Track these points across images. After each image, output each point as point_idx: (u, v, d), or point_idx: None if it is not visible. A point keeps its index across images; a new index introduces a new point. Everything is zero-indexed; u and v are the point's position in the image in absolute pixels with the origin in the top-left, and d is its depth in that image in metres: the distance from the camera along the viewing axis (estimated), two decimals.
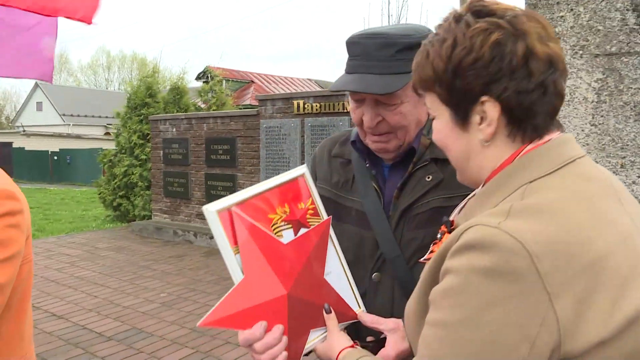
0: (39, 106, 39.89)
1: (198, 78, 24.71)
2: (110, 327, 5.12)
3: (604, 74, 3.11)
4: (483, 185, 0.99)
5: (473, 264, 0.82)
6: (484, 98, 0.92)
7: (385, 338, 1.28)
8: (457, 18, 0.96)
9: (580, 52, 3.15)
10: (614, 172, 3.05)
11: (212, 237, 8.61)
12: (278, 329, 1.19)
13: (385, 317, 1.33)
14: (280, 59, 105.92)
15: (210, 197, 9.39)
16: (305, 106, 7.86)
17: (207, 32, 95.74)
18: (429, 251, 1.08)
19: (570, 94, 3.20)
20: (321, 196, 1.40)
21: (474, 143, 0.98)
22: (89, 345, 4.66)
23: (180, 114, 10.59)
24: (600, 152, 3.11)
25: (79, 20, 3.32)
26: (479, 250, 0.82)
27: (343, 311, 1.32)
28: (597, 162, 3.10)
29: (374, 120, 1.35)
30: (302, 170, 1.34)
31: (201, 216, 9.67)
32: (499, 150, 0.97)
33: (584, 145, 3.17)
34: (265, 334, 1.17)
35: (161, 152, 10.45)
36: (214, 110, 12.16)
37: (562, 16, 3.20)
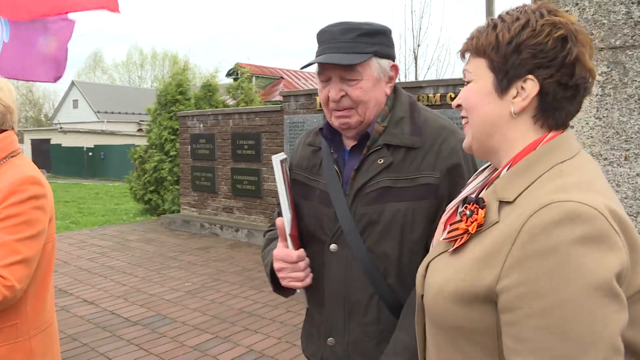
0: (75, 104, 40.84)
1: (228, 75, 25.00)
2: (137, 312, 5.36)
3: (608, 67, 3.16)
4: (511, 165, 1.08)
5: (565, 237, 0.89)
6: (529, 76, 1.06)
7: None
8: (535, 8, 1.09)
9: None
10: (617, 165, 3.10)
11: (237, 230, 8.80)
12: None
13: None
14: (309, 55, 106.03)
15: (236, 191, 9.60)
16: None
17: (239, 28, 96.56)
18: (453, 228, 1.12)
19: None
20: (293, 180, 1.67)
21: (504, 112, 1.09)
22: (116, 329, 4.89)
23: (207, 110, 10.83)
24: (605, 145, 3.16)
25: (106, 9, 3.54)
26: (566, 224, 0.90)
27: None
28: (601, 154, 3.16)
29: (338, 94, 1.52)
30: (282, 156, 1.61)
31: (227, 210, 9.90)
32: (522, 129, 1.09)
33: (588, 138, 3.22)
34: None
35: (189, 147, 10.70)
36: (242, 106, 12.38)
37: (567, 10, 3.25)
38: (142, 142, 15.93)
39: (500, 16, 1.12)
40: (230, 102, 13.32)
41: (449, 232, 1.12)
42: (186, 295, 5.90)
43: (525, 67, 1.05)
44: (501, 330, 0.96)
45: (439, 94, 6.87)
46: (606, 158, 3.16)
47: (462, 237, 1.06)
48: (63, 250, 8.17)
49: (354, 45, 1.49)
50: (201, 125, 10.46)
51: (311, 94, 8.36)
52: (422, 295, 1.17)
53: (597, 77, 3.18)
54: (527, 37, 1.05)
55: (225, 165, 9.95)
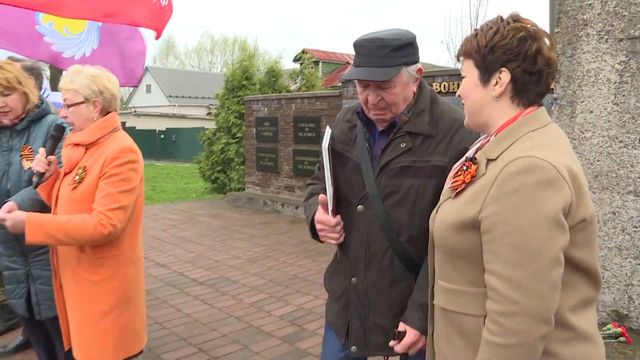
0: (148, 88, 42.61)
1: (295, 60, 25.59)
2: (202, 274, 6.02)
3: (627, 57, 3.46)
4: (496, 134, 1.52)
5: (526, 181, 1.30)
6: (503, 69, 1.46)
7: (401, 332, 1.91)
8: (501, 18, 1.53)
9: (606, 36, 3.50)
10: (632, 147, 3.41)
11: (297, 207, 9.37)
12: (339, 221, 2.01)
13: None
14: None
15: (298, 171, 10.19)
16: None
17: (313, 12, 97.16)
18: (455, 180, 1.53)
19: (594, 75, 3.57)
20: (333, 150, 2.04)
21: (488, 97, 1.51)
22: (184, 287, 5.57)
23: (272, 94, 11.44)
24: (621, 129, 3.47)
25: (151, 28, 4.14)
26: (527, 172, 1.31)
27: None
28: (617, 137, 3.48)
29: (376, 99, 1.89)
30: (329, 131, 2.03)
31: (289, 188, 10.51)
32: (503, 107, 1.51)
33: (606, 122, 3.54)
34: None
35: (254, 129, 11.36)
36: (304, 91, 12.91)
37: (590, 4, 3.56)
38: (211, 125, 16.71)
39: (481, 27, 1.56)
40: (293, 87, 13.88)
41: (452, 183, 1.58)
42: (247, 262, 6.53)
43: (499, 62, 1.48)
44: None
45: None
46: (622, 141, 3.47)
47: (460, 186, 1.51)
48: None
49: (387, 60, 1.82)
50: (265, 109, 11.09)
51: None
52: (432, 232, 1.62)
53: (616, 66, 3.49)
54: (498, 40, 1.47)
55: (288, 146, 10.54)
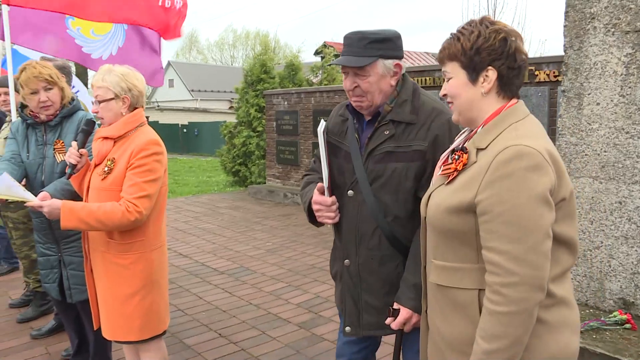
0: (171, 83, 43.08)
1: (316, 53, 25.66)
2: (223, 265, 6.23)
3: (633, 49, 3.54)
4: (483, 125, 1.67)
5: (518, 166, 1.46)
6: (489, 68, 1.61)
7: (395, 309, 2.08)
8: (480, 22, 1.67)
9: (612, 29, 3.59)
10: (638, 138, 3.49)
11: None
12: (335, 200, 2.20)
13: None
14: (410, 32, 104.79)
15: None
16: (419, 81, 8.48)
17: (331, 6, 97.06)
18: (446, 168, 1.72)
19: (601, 68, 3.66)
20: (328, 142, 2.23)
21: (477, 94, 1.66)
22: (206, 276, 5.78)
23: (291, 88, 11.60)
24: (627, 120, 3.56)
25: (162, 35, 4.46)
26: (518, 158, 1.48)
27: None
28: (623, 128, 3.56)
29: (352, 85, 2.10)
30: (323, 124, 2.21)
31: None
32: (491, 102, 1.66)
33: (612, 114, 3.62)
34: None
35: (274, 123, 11.55)
36: (325, 85, 13.04)
37: None
38: (233, 119, 16.94)
39: (459, 31, 1.70)
40: (314, 80, 14.01)
41: (443, 170, 1.73)
42: (266, 253, 6.72)
43: (485, 62, 1.63)
44: (479, 229, 1.56)
45: None
46: (628, 132, 3.56)
47: (453, 174, 1.66)
48: None
49: (364, 50, 2.04)
50: (285, 102, 11.26)
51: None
52: (425, 217, 1.77)
53: (622, 58, 3.57)
54: (482, 43, 1.62)
55: (307, 139, 10.70)
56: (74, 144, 2.66)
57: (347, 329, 2.26)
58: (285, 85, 12.51)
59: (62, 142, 3.05)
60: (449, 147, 1.95)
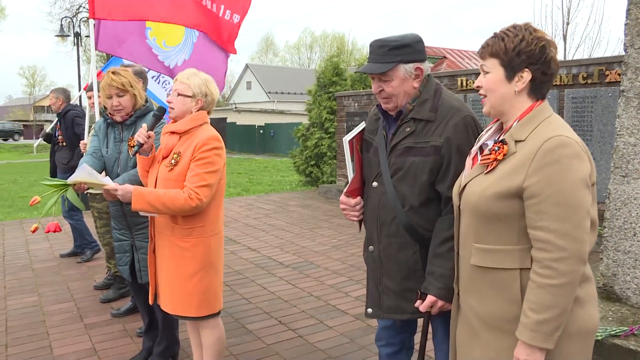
0: (249, 85, 44.33)
1: None
2: (289, 259, 6.50)
3: None
4: (518, 120, 1.83)
5: (563, 154, 1.67)
6: (525, 69, 1.79)
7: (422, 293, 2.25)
8: (524, 27, 1.84)
9: None
10: None
11: None
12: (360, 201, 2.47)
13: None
14: (471, 34, 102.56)
15: None
16: (468, 83, 8.46)
17: (416, 5, 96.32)
18: (485, 158, 1.85)
19: None
20: (364, 139, 2.48)
21: (511, 92, 1.84)
22: (271, 269, 6.06)
23: (361, 90, 11.76)
24: None
25: (223, 46, 4.83)
26: (562, 147, 1.68)
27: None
28: None
29: (377, 89, 2.30)
30: (363, 124, 2.47)
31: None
32: (522, 100, 1.84)
33: None
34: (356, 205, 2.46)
35: (345, 124, 11.75)
36: None
37: None
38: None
39: (503, 32, 1.85)
40: None
41: (482, 161, 1.88)
42: (331, 249, 6.94)
43: (523, 64, 1.80)
44: (524, 212, 1.74)
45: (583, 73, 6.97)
46: None
47: (493, 164, 1.82)
48: (234, 211, 9.71)
49: (384, 57, 2.23)
50: (356, 104, 11.44)
51: (454, 75, 8.87)
52: (459, 206, 1.94)
53: None
54: (524, 46, 1.79)
55: None
56: (144, 125, 2.96)
57: (369, 310, 2.47)
58: (356, 87, 12.67)
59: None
60: (462, 144, 2.18)
